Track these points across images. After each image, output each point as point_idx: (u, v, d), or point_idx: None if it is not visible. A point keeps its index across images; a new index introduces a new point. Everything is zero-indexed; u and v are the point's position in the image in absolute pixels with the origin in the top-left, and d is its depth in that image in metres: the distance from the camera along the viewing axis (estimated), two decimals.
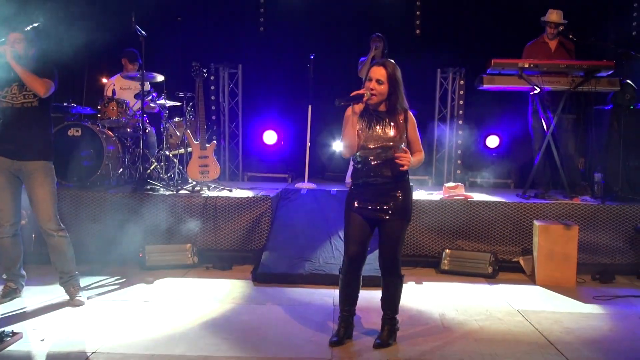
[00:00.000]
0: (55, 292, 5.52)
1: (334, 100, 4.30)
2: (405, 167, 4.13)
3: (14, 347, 4.19)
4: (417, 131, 4.45)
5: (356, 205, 4.37)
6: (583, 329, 4.91)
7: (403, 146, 4.25)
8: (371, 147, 4.26)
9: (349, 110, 4.31)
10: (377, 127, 4.30)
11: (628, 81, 7.35)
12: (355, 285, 4.52)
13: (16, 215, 5.22)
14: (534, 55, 7.62)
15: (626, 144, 7.12)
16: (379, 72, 4.23)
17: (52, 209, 5.18)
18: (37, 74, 5.04)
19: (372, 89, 4.22)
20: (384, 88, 4.24)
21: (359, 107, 4.22)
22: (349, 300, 4.55)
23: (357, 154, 4.32)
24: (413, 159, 4.22)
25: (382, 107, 4.34)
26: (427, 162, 9.35)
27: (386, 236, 4.38)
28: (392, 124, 4.30)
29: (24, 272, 5.39)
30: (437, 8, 9.67)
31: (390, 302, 4.53)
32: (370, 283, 5.08)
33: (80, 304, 5.21)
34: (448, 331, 4.82)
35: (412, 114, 4.40)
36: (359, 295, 4.61)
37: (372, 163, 4.28)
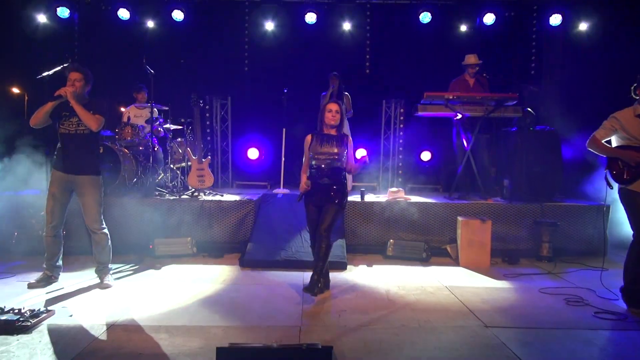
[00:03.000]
0: (82, 278, 5.46)
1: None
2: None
3: (48, 322, 4.12)
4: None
5: (311, 198, 4.90)
6: (495, 299, 4.99)
7: (344, 159, 4.86)
8: (322, 158, 4.81)
9: (307, 139, 4.95)
10: (327, 145, 4.83)
11: (528, 109, 7.48)
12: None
13: (60, 220, 5.13)
14: (457, 89, 7.74)
15: (527, 157, 7.23)
16: (337, 107, 4.93)
17: (97, 213, 5.14)
18: (91, 110, 5.00)
19: (333, 117, 4.84)
20: (339, 117, 4.88)
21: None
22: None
23: (312, 162, 4.85)
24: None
25: (334, 132, 4.91)
26: (375, 171, 9.45)
27: (325, 213, 4.83)
28: (337, 144, 4.85)
29: (60, 264, 5.28)
30: (383, 52, 9.72)
31: (319, 260, 4.81)
32: (330, 266, 5.11)
33: (107, 286, 5.16)
34: (392, 303, 4.85)
35: (351, 139, 5.02)
36: None
37: (322, 167, 4.81)
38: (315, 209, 4.91)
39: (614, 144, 4.78)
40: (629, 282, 4.75)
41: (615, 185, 4.76)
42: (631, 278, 4.72)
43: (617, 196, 4.81)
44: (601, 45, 8.73)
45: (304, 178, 4.97)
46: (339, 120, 4.90)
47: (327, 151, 4.80)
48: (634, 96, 4.66)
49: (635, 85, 4.63)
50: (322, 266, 4.79)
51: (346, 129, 8.23)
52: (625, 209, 4.74)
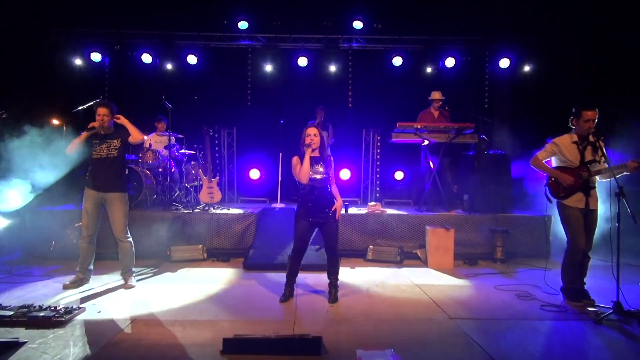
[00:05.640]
0: (109, 280, 5.38)
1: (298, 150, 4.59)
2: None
3: (80, 317, 4.07)
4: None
5: (304, 215, 4.55)
6: (458, 295, 4.99)
7: (330, 178, 4.61)
8: (315, 177, 4.53)
9: (295, 159, 4.60)
10: (316, 166, 4.57)
11: (483, 136, 7.55)
12: (298, 266, 4.72)
13: (93, 230, 5.09)
14: (424, 120, 7.79)
15: (483, 176, 7.27)
16: (313, 130, 4.60)
17: (124, 225, 5.10)
18: (119, 136, 5.08)
19: (310, 141, 4.52)
20: (317, 139, 4.57)
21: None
22: (294, 275, 4.74)
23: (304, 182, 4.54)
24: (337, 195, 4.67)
25: (317, 154, 4.63)
26: (357, 188, 9.45)
27: (329, 232, 4.59)
28: (322, 164, 4.60)
29: (91, 268, 5.21)
30: (362, 89, 9.79)
31: (335, 271, 4.74)
32: (319, 268, 5.07)
33: (131, 287, 5.10)
34: (371, 299, 4.83)
35: (332, 159, 4.71)
36: (311, 275, 4.85)
37: (314, 186, 4.53)
38: (307, 225, 4.53)
39: (554, 164, 4.83)
40: (567, 282, 4.76)
41: (554, 200, 4.80)
42: (569, 279, 4.73)
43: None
44: (541, 84, 8.88)
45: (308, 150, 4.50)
46: (318, 143, 4.55)
47: (317, 171, 4.53)
48: (570, 126, 4.73)
49: (571, 117, 4.70)
50: (337, 277, 4.79)
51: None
52: (560, 219, 4.78)
